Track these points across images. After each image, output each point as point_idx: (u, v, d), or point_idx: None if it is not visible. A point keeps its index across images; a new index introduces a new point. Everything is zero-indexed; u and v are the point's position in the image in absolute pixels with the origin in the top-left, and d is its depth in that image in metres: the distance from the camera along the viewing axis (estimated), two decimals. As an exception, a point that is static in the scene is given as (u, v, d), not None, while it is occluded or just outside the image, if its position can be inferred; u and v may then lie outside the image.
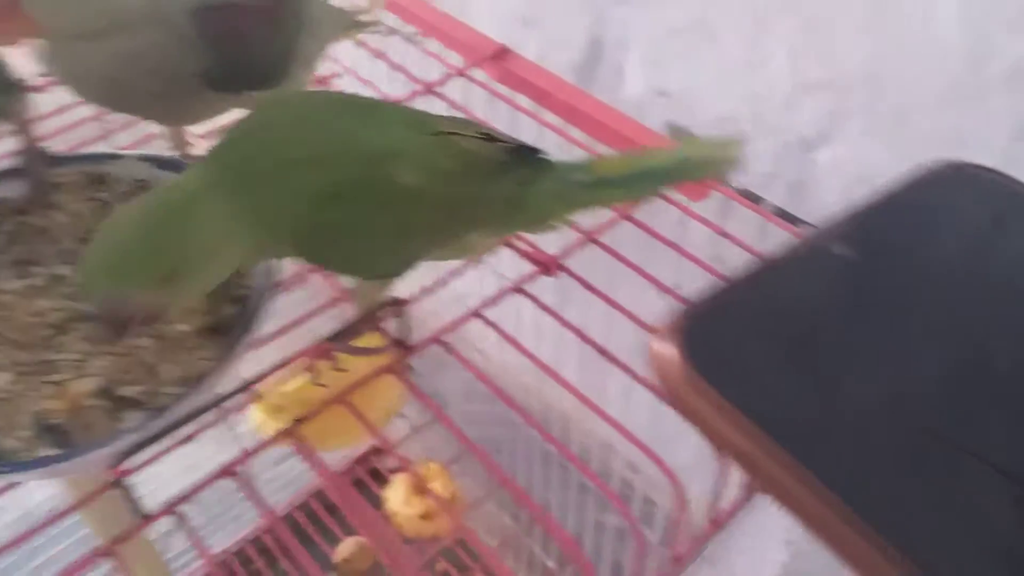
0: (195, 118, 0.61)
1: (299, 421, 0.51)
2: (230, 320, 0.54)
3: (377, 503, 1.25)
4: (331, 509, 1.35)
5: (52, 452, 0.47)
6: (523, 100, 0.83)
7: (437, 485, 1.17)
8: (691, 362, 0.30)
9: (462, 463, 1.23)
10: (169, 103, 0.56)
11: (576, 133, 0.79)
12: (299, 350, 0.54)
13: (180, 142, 0.66)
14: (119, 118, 0.73)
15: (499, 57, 0.83)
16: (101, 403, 0.49)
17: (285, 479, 1.38)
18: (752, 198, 0.68)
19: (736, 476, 0.52)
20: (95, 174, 0.61)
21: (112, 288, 0.40)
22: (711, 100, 0.82)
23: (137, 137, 0.78)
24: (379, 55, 0.86)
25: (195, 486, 0.50)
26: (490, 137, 0.49)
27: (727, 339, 0.32)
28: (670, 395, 0.31)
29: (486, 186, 0.48)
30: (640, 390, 0.54)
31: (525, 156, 0.50)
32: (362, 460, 1.45)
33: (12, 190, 0.60)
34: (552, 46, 0.93)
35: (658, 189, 0.56)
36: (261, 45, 0.57)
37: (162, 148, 0.70)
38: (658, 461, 0.53)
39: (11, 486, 0.50)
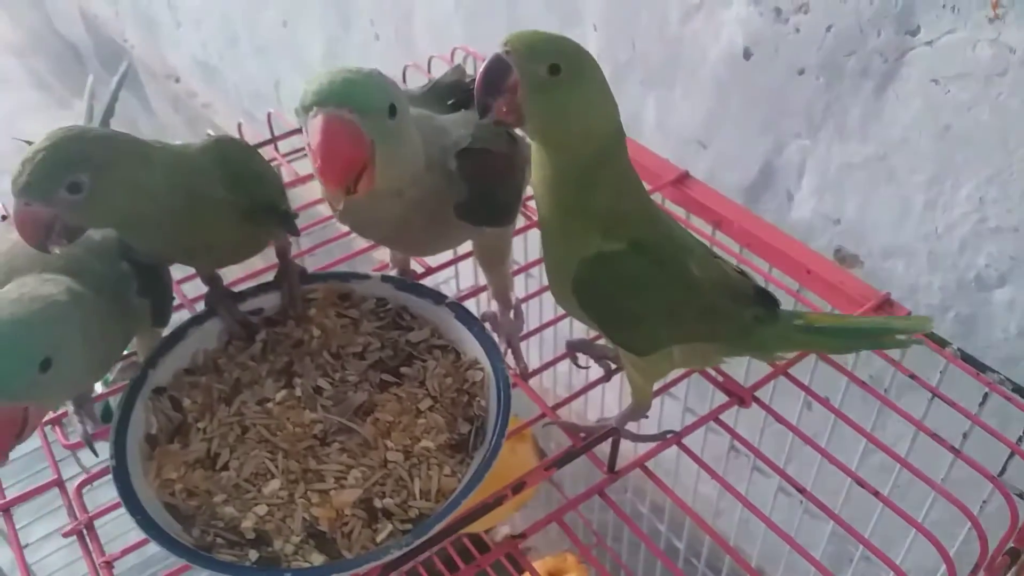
0: (434, 249, 0.68)
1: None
2: (467, 438, 0.59)
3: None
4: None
5: (324, 560, 0.52)
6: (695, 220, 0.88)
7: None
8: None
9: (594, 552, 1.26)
10: (423, 235, 0.63)
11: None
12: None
13: (405, 268, 0.73)
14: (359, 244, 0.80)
15: (680, 182, 0.88)
16: (360, 513, 0.55)
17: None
18: (938, 341, 0.70)
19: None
20: (342, 291, 0.68)
21: None
22: (884, 232, 0.85)
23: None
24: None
25: None
26: (742, 273, 0.60)
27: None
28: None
29: (735, 308, 0.58)
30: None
31: (762, 296, 0.60)
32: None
33: (267, 302, 0.67)
34: (722, 167, 0.98)
35: (860, 346, 0.66)
36: (503, 184, 0.63)
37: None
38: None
39: None
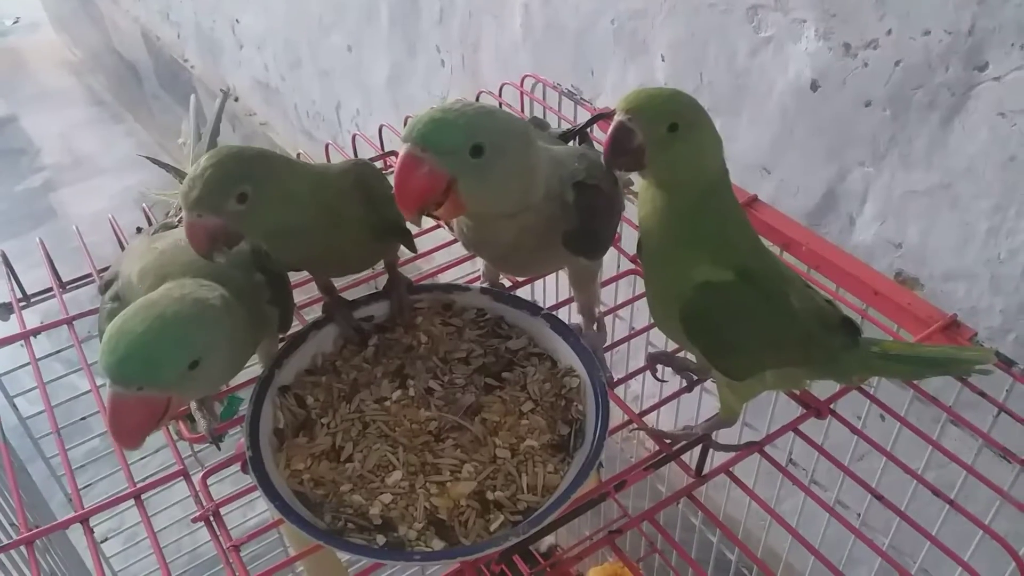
0: (537, 271, 0.74)
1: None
2: (566, 439, 0.64)
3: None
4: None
5: (445, 546, 0.57)
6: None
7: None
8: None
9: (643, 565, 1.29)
10: (530, 257, 0.68)
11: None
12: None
13: (494, 282, 0.79)
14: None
15: (749, 205, 0.93)
16: (473, 504, 0.60)
17: None
18: (1005, 360, 0.74)
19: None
20: (445, 301, 0.73)
21: None
22: (946, 256, 0.89)
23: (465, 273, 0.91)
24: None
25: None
26: (830, 303, 0.65)
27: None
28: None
29: (826, 336, 0.63)
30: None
31: (847, 325, 0.65)
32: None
33: (377, 310, 0.73)
34: (785, 192, 1.03)
35: (930, 374, 0.70)
36: (607, 220, 0.69)
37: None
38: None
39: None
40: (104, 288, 0.66)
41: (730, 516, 1.21)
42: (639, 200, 0.62)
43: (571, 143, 0.78)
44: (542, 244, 0.66)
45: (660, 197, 0.60)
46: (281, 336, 0.70)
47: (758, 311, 0.60)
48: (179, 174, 0.79)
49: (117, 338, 0.53)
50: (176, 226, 0.70)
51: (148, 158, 0.85)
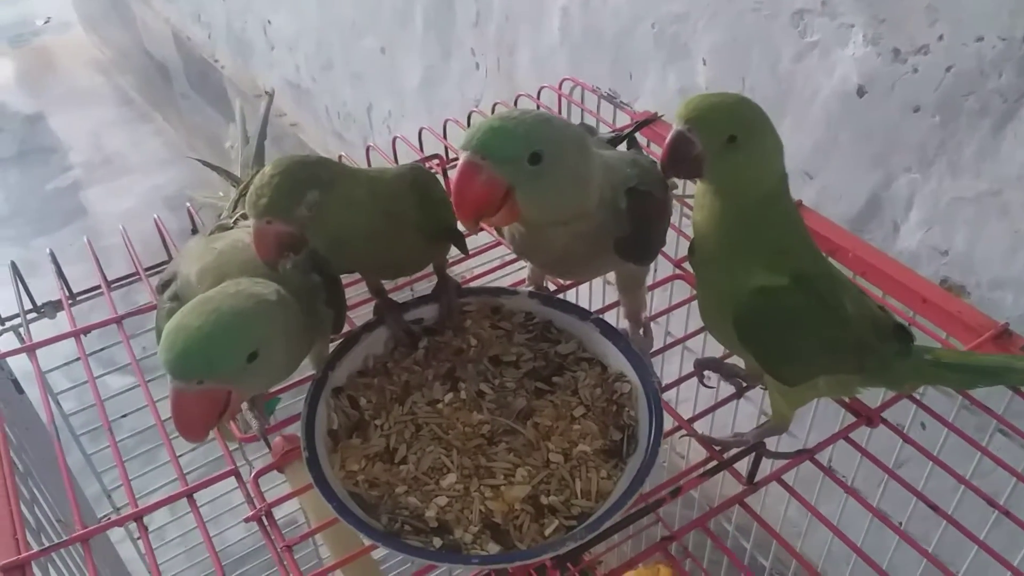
0: (585, 275, 0.74)
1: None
2: (619, 444, 0.64)
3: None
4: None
5: (500, 549, 0.57)
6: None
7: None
8: None
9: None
10: (580, 262, 0.68)
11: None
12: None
13: (539, 285, 0.79)
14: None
15: (794, 211, 0.92)
16: (527, 508, 0.60)
17: None
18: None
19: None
20: (493, 305, 0.74)
21: None
22: (994, 264, 0.88)
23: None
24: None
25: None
26: (883, 310, 0.64)
27: None
28: None
29: (879, 343, 0.63)
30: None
31: (900, 332, 0.64)
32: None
33: (426, 313, 0.73)
34: (828, 197, 1.02)
35: (983, 384, 0.69)
36: (659, 226, 0.69)
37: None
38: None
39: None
40: (162, 288, 0.66)
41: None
42: (695, 204, 0.62)
43: (618, 147, 0.78)
44: (593, 251, 0.66)
45: (717, 202, 0.60)
46: (332, 337, 0.71)
47: (813, 317, 0.60)
48: (229, 176, 0.80)
49: (175, 334, 0.54)
50: (232, 227, 0.71)
51: (199, 160, 0.86)
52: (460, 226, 0.63)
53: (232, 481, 0.68)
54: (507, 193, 0.57)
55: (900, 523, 1.04)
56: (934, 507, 0.66)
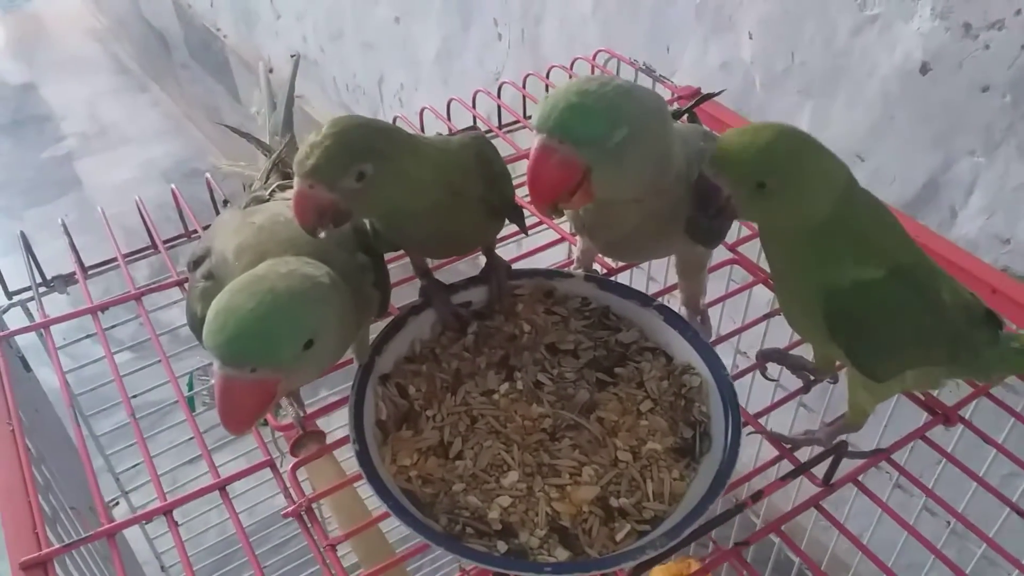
0: (649, 256, 0.69)
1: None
2: (691, 443, 0.59)
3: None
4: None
5: (569, 556, 0.52)
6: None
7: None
8: None
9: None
10: (648, 242, 0.63)
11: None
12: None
13: (588, 265, 0.74)
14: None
15: (851, 194, 0.88)
16: (596, 510, 0.55)
17: None
18: None
19: None
20: (546, 288, 0.68)
21: None
22: (1060, 254, 0.84)
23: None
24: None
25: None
26: (973, 296, 0.60)
27: None
28: None
29: (971, 332, 0.59)
30: None
31: (989, 318, 0.61)
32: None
33: (475, 295, 0.68)
34: (880, 181, 0.97)
35: None
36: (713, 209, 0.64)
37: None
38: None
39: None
40: (194, 265, 0.61)
41: (797, 522, 1.16)
42: None
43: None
44: (663, 230, 0.61)
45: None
46: (374, 320, 0.66)
47: (911, 309, 0.55)
48: (260, 144, 0.74)
49: (225, 315, 0.48)
50: (268, 199, 0.65)
51: (227, 126, 0.80)
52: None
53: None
54: (585, 175, 0.52)
55: (948, 522, 1.01)
56: (1012, 505, 0.62)
